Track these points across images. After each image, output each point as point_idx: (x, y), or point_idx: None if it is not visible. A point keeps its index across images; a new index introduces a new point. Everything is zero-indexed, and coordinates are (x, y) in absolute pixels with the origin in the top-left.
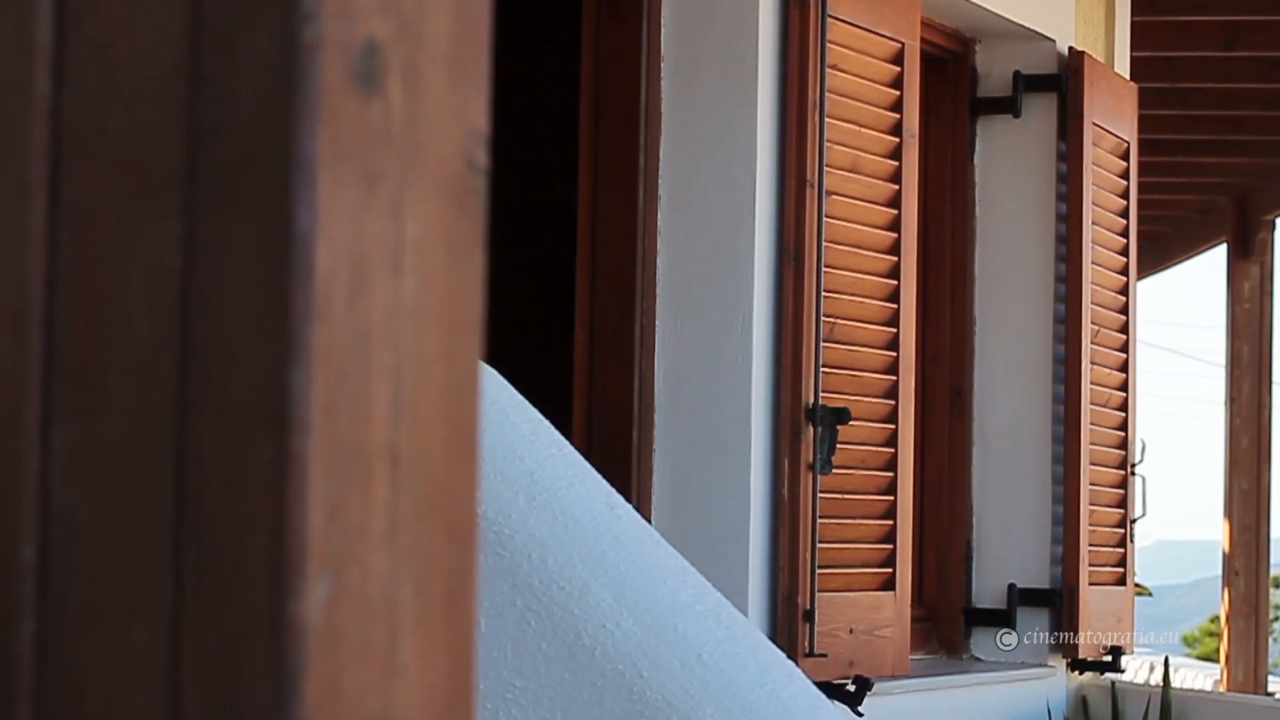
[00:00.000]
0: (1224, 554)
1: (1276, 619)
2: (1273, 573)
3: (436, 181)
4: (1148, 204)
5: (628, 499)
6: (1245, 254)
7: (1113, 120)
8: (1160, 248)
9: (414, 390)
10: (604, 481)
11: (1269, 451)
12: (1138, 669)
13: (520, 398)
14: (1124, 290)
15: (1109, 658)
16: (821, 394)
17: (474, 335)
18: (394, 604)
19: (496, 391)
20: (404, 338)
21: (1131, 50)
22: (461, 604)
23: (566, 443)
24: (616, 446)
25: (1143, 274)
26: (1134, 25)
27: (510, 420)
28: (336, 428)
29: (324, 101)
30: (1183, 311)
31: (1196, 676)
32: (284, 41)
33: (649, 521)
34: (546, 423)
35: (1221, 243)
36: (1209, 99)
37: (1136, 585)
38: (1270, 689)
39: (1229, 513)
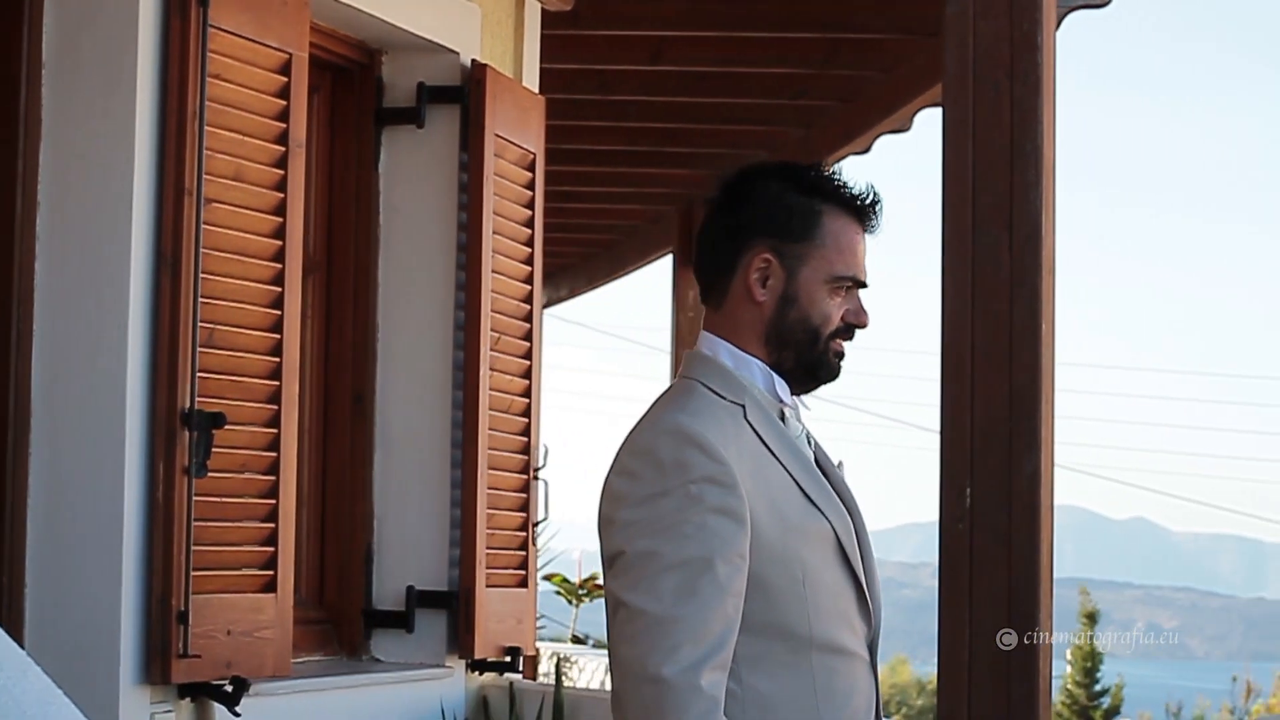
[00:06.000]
0: None
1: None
2: None
3: None
4: (601, 213)
5: (1, 502)
6: (690, 262)
7: (517, 132)
8: (616, 255)
9: None
10: None
11: None
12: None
13: None
14: (528, 298)
15: (509, 658)
16: (200, 399)
17: None
18: None
19: None
20: None
21: (562, 63)
22: None
23: None
24: None
25: (600, 280)
26: (562, 39)
27: None
28: None
29: None
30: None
31: None
32: None
33: (25, 522)
34: None
35: (669, 251)
36: (643, 111)
37: None
38: None
39: None
